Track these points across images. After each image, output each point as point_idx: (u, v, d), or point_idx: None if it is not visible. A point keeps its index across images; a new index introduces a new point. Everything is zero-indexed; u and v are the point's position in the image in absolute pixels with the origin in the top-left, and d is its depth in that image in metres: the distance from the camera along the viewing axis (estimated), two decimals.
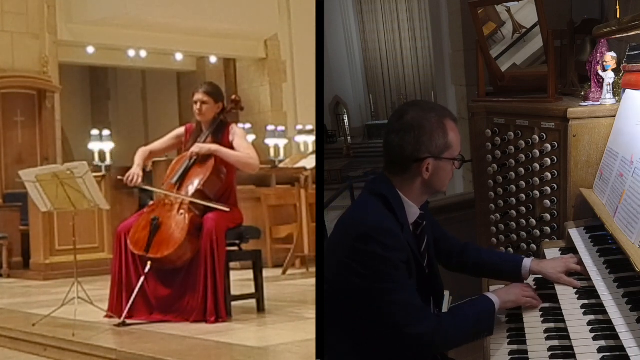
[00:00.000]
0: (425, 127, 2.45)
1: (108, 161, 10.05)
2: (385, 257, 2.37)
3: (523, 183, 3.78)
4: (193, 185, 4.80)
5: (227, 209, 4.76)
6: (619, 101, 3.22)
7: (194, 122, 5.08)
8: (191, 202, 4.74)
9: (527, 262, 2.81)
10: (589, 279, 2.60)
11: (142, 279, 4.72)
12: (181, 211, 4.73)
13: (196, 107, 4.92)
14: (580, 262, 2.75)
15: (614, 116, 3.15)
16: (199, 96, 4.91)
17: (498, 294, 2.59)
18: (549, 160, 3.55)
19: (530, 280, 2.88)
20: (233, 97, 5.18)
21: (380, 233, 2.39)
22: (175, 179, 4.86)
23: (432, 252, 2.71)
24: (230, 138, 4.93)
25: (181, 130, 5.14)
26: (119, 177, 4.98)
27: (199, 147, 4.83)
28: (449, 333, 2.44)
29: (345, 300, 2.47)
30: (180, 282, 4.75)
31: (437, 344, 2.44)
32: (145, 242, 4.68)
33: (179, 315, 4.74)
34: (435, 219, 2.94)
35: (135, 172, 4.92)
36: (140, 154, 5.07)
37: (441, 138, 2.47)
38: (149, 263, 4.70)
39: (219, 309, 4.65)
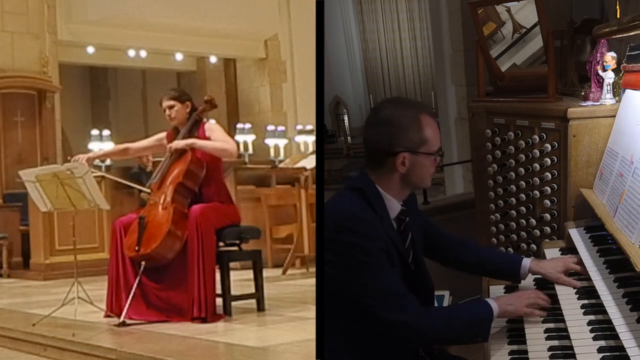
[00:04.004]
0: (400, 122, 2.48)
1: (108, 161, 10.04)
2: (360, 246, 2.37)
3: (523, 183, 3.78)
4: (172, 180, 4.91)
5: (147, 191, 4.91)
6: (619, 101, 3.22)
7: (173, 129, 5.22)
8: (174, 195, 4.84)
9: (527, 262, 2.81)
10: (588, 278, 2.60)
11: (137, 279, 4.78)
12: (165, 205, 4.84)
13: (166, 114, 5.11)
14: (580, 262, 2.75)
15: (614, 116, 3.15)
16: (165, 103, 5.11)
17: (499, 301, 2.55)
18: (549, 160, 3.55)
19: (530, 280, 2.88)
20: (206, 97, 5.32)
21: (354, 222, 2.40)
22: (156, 178, 5.00)
23: (419, 249, 2.69)
24: (207, 134, 5.07)
25: (163, 134, 5.29)
26: (68, 158, 5.05)
27: (175, 144, 5.00)
28: (436, 326, 2.42)
29: (331, 294, 2.47)
30: (172, 277, 4.81)
31: (421, 333, 2.40)
32: (135, 243, 4.77)
33: (175, 312, 4.78)
34: (427, 216, 2.94)
35: (82, 156, 5.06)
36: (114, 147, 5.38)
37: (416, 133, 2.48)
38: (143, 262, 4.76)
39: (207, 298, 4.68)
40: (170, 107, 5.07)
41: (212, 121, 5.22)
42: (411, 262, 2.61)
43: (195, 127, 5.10)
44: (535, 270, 2.79)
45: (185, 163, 4.91)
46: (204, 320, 4.65)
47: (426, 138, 2.49)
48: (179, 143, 4.97)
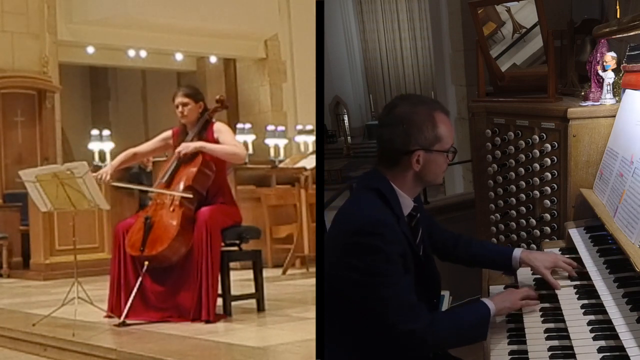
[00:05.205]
0: (414, 120, 2.48)
1: (108, 161, 10.00)
2: (383, 250, 2.38)
3: (523, 183, 3.78)
4: (182, 182, 4.87)
5: (189, 195, 4.80)
6: (619, 101, 3.22)
7: (180, 126, 5.15)
8: (182, 198, 4.80)
9: (517, 252, 2.83)
10: (582, 279, 2.61)
11: (139, 279, 4.76)
12: (172, 207, 4.79)
13: (178, 110, 5.02)
14: (573, 262, 2.76)
15: (614, 116, 3.15)
16: (179, 99, 5.02)
17: (495, 299, 2.59)
18: (549, 160, 3.55)
19: (530, 280, 2.88)
20: (217, 97, 5.27)
21: (378, 226, 2.40)
22: (165, 178, 4.94)
23: (427, 244, 2.73)
24: (215, 135, 5.01)
25: (168, 133, 5.22)
26: (92, 175, 4.98)
27: (185, 146, 4.92)
28: (441, 333, 2.45)
29: (341, 297, 2.48)
30: (176, 278, 4.78)
31: (429, 342, 2.44)
32: (140, 243, 4.73)
33: (176, 313, 4.77)
34: (427, 213, 2.96)
35: (104, 171, 5.05)
36: (123, 155, 5.23)
37: (430, 130, 2.48)
38: (146, 263, 4.74)
39: (209, 304, 4.66)
40: (184, 105, 4.99)
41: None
42: (421, 257, 2.63)
43: (204, 128, 5.03)
44: (524, 260, 2.81)
45: (196, 165, 4.86)
46: (208, 322, 4.64)
47: (440, 136, 2.50)
48: (188, 147, 4.89)
